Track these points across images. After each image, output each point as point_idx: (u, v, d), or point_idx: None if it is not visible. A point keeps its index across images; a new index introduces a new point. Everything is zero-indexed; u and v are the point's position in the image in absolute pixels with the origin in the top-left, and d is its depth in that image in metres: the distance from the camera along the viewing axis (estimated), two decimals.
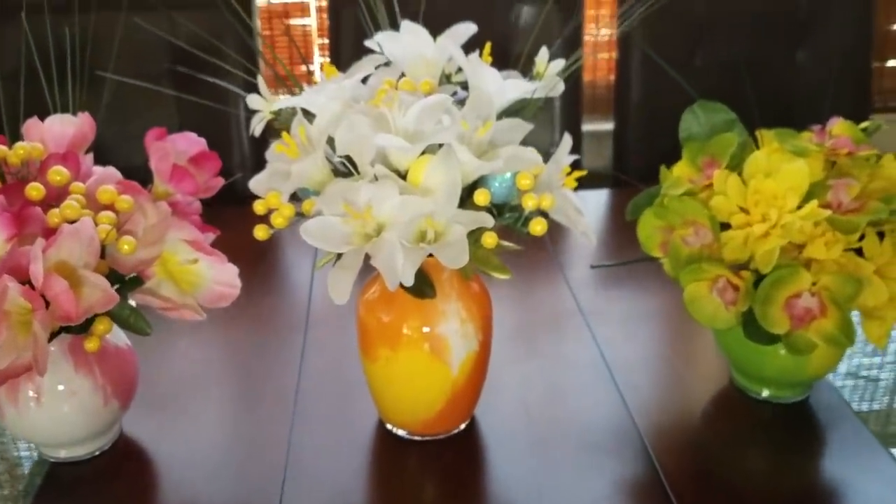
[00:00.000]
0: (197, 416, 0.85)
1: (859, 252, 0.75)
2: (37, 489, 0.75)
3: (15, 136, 0.74)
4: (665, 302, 1.05)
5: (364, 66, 0.71)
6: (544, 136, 1.46)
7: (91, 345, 0.68)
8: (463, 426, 0.82)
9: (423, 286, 0.72)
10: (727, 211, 0.76)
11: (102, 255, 0.67)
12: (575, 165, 0.71)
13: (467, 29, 0.74)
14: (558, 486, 0.75)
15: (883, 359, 0.95)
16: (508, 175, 0.68)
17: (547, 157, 0.69)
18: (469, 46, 0.72)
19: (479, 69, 0.68)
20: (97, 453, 0.79)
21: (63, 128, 0.73)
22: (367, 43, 0.76)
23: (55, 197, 0.67)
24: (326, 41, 1.52)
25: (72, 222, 0.63)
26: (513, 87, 0.69)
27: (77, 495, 0.75)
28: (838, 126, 0.81)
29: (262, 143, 0.71)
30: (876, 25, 1.60)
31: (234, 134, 1.46)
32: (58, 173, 0.67)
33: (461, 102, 0.70)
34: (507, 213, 0.69)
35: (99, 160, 0.77)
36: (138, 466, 0.79)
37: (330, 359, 0.94)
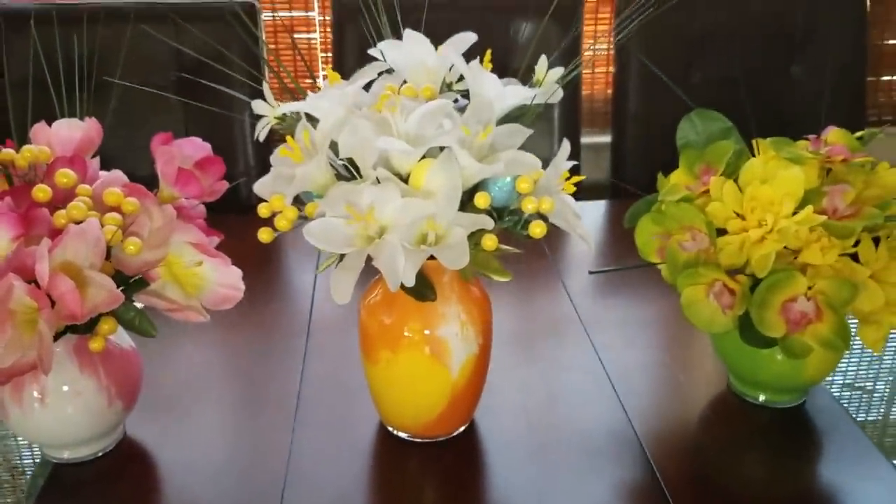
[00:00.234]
0: (200, 419, 0.86)
1: (855, 258, 0.76)
2: (39, 490, 0.76)
3: (24, 144, 0.75)
4: (662, 309, 1.06)
5: (367, 73, 0.73)
6: (543, 147, 1.48)
7: (96, 345, 0.69)
8: (463, 429, 0.83)
9: (423, 289, 0.73)
10: (723, 217, 0.77)
11: (108, 256, 0.68)
12: (573, 172, 0.72)
13: (468, 38, 0.76)
14: (558, 490, 0.76)
15: (879, 369, 0.96)
16: (508, 180, 0.69)
17: (546, 167, 0.70)
18: (469, 58, 0.73)
19: (480, 75, 0.69)
20: (100, 454, 0.79)
21: (70, 132, 0.74)
22: (371, 51, 0.77)
23: (62, 199, 0.68)
24: (330, 55, 1.53)
25: (78, 223, 0.64)
26: (512, 94, 0.71)
27: (80, 496, 0.76)
28: (833, 134, 0.82)
29: (266, 153, 0.72)
30: (870, 40, 1.62)
31: (239, 145, 1.48)
32: (64, 176, 0.68)
33: (462, 110, 0.71)
34: (507, 217, 0.70)
35: (105, 170, 0.78)
36: (141, 468, 0.79)
37: (331, 364, 0.95)
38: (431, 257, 0.67)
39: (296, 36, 1.78)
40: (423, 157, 0.67)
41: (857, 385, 0.90)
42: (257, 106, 0.75)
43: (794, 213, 0.74)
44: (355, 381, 0.88)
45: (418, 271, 0.70)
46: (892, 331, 0.76)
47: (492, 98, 0.69)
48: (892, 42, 1.95)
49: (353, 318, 0.80)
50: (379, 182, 0.66)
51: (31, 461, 0.81)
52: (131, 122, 1.34)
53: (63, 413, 0.74)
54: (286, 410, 0.87)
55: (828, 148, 0.80)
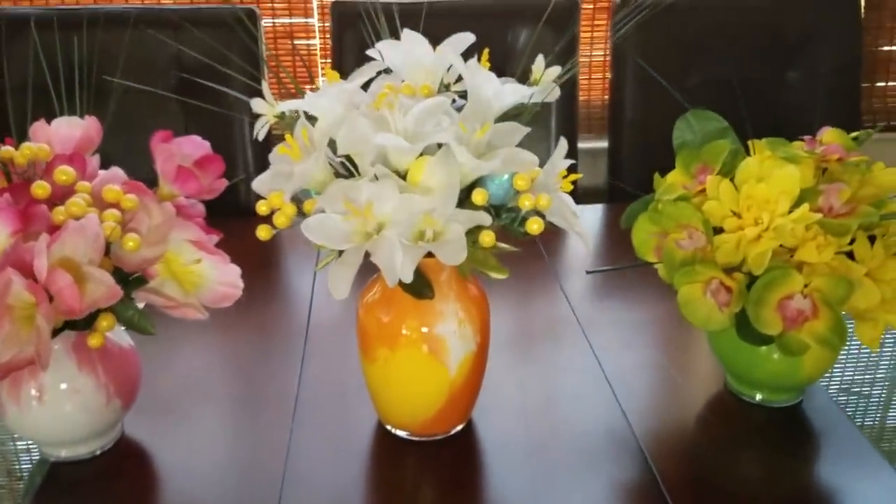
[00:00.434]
0: (198, 419, 0.86)
1: (851, 256, 0.76)
2: (37, 488, 0.76)
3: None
4: (659, 310, 1.07)
5: (365, 72, 0.73)
6: (541, 152, 1.48)
7: (94, 341, 0.69)
8: (460, 427, 0.83)
9: (421, 287, 0.73)
10: (720, 215, 0.78)
11: (107, 253, 0.69)
12: (570, 172, 0.72)
13: (466, 38, 0.76)
14: (555, 489, 0.76)
15: (875, 375, 0.96)
16: (505, 177, 0.69)
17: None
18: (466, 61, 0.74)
19: (478, 73, 0.70)
20: (98, 453, 0.79)
21: (70, 130, 0.74)
22: (369, 52, 0.77)
23: (61, 196, 0.68)
24: (329, 62, 1.54)
25: (77, 219, 0.65)
26: (510, 92, 0.71)
27: (77, 495, 0.76)
28: (828, 134, 0.82)
29: (266, 158, 0.72)
30: (864, 46, 1.63)
31: (239, 149, 1.48)
32: (64, 173, 0.68)
33: (460, 110, 0.72)
34: (504, 214, 0.71)
35: None
36: (139, 468, 0.79)
37: (330, 365, 0.95)
38: (429, 255, 0.67)
39: (295, 42, 1.79)
40: (421, 154, 0.68)
41: (853, 390, 0.90)
42: (256, 104, 0.75)
43: (790, 212, 0.75)
44: (353, 382, 0.88)
45: (416, 269, 0.70)
46: (888, 329, 0.77)
47: (489, 96, 0.70)
48: (886, 48, 1.97)
49: (351, 319, 0.80)
50: (377, 179, 0.66)
51: (29, 460, 0.81)
52: (131, 127, 1.34)
53: (61, 411, 0.74)
54: (284, 410, 0.87)
55: (823, 147, 0.80)
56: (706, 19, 1.56)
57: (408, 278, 0.64)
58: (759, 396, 0.87)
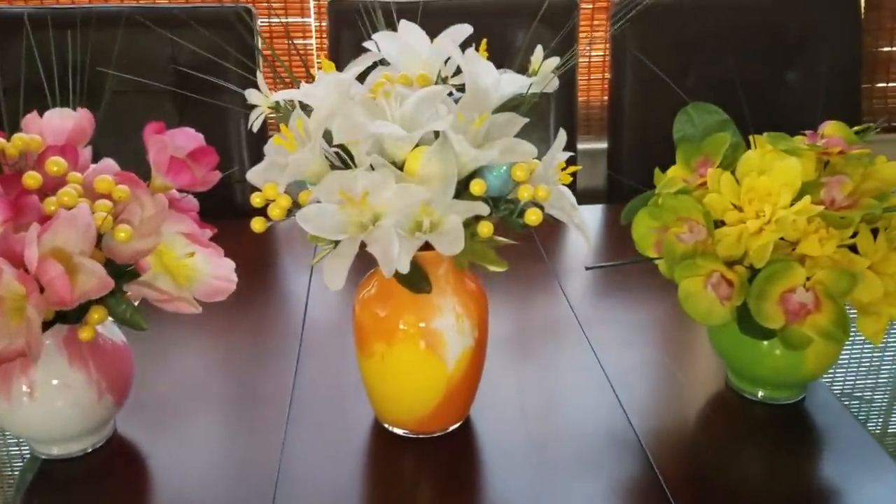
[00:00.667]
0: (192, 418, 0.85)
1: (853, 249, 0.75)
2: (28, 485, 0.75)
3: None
4: (659, 309, 1.06)
5: (361, 62, 0.72)
6: (540, 153, 1.47)
7: (85, 334, 0.68)
8: (458, 424, 0.82)
9: (419, 280, 0.72)
10: (721, 208, 0.77)
11: (99, 246, 0.67)
12: (570, 179, 0.71)
13: (464, 30, 0.75)
14: (556, 488, 0.75)
15: (877, 379, 0.95)
16: (504, 169, 0.68)
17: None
18: None
19: (476, 62, 0.69)
20: (90, 450, 0.78)
21: (62, 122, 0.73)
22: (366, 44, 0.77)
23: (52, 188, 0.67)
24: None
25: (68, 210, 0.64)
26: (508, 82, 0.70)
27: (68, 493, 0.75)
28: (830, 127, 0.82)
29: (261, 158, 0.71)
30: (864, 47, 1.63)
31: (235, 150, 1.47)
32: (55, 164, 0.67)
33: (456, 103, 0.71)
34: (503, 206, 0.69)
35: None
36: (131, 466, 0.78)
37: (326, 365, 0.94)
38: (427, 248, 0.66)
39: (291, 42, 1.79)
40: (418, 145, 0.67)
41: (855, 395, 0.89)
42: (251, 95, 0.74)
43: (792, 204, 0.74)
44: (349, 381, 0.87)
45: (414, 263, 0.69)
46: (891, 322, 0.76)
47: (487, 86, 0.69)
48: (886, 49, 1.96)
49: (346, 320, 0.79)
50: (373, 169, 0.65)
51: (20, 458, 0.80)
52: (125, 126, 1.33)
53: (52, 407, 0.73)
54: (279, 409, 0.85)
55: (825, 140, 0.79)
56: (706, 20, 1.55)
57: (404, 268, 0.63)
58: (761, 394, 0.86)
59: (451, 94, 0.74)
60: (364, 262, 0.77)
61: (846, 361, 0.95)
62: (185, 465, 0.78)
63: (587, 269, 1.12)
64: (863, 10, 1.56)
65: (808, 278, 0.73)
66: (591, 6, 1.89)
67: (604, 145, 1.60)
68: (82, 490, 0.75)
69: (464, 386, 0.78)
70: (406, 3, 1.24)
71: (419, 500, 0.75)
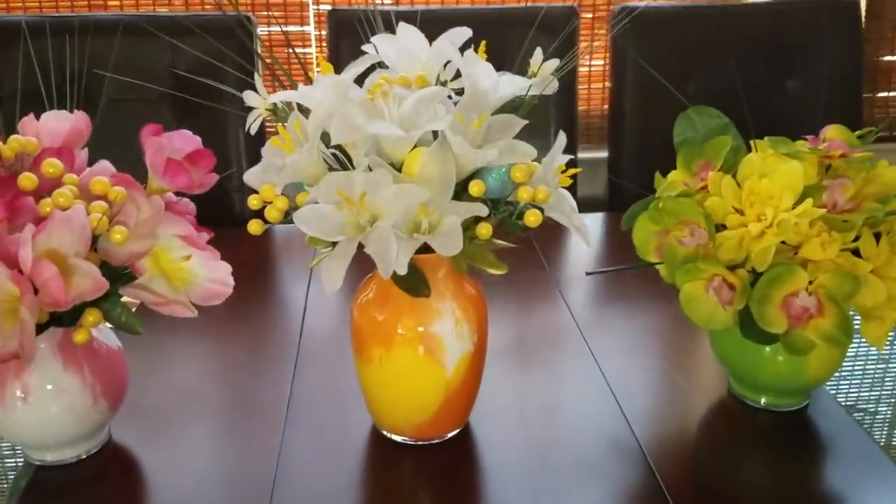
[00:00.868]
0: (188, 425, 0.84)
1: (856, 253, 0.75)
2: (21, 492, 0.74)
3: None
4: (660, 316, 1.05)
5: (359, 63, 0.72)
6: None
7: (80, 336, 0.67)
8: (458, 431, 0.81)
9: (418, 284, 0.71)
10: (722, 211, 0.76)
11: (95, 248, 0.67)
12: (570, 181, 0.71)
13: (463, 32, 0.75)
14: (557, 496, 0.74)
15: (881, 392, 0.94)
16: (503, 170, 0.68)
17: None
18: None
19: (475, 64, 0.69)
20: (84, 456, 0.77)
21: (58, 124, 0.73)
22: (364, 47, 0.76)
23: (48, 189, 0.67)
24: None
25: (64, 210, 0.63)
26: (507, 83, 0.70)
27: (62, 499, 0.74)
28: (832, 130, 0.81)
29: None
30: (865, 56, 1.62)
31: (234, 159, 1.47)
32: (51, 165, 0.67)
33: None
34: (502, 208, 0.69)
35: None
36: (126, 472, 0.77)
37: (323, 372, 0.93)
38: (426, 251, 0.65)
39: (290, 51, 1.79)
40: (417, 147, 0.66)
41: (858, 407, 0.88)
42: (248, 97, 0.74)
43: (794, 208, 0.73)
44: (347, 389, 0.86)
45: (413, 266, 0.69)
46: (894, 327, 0.75)
47: (486, 87, 0.68)
48: (887, 58, 1.96)
49: (345, 328, 0.79)
50: (371, 170, 0.64)
51: (14, 464, 0.79)
52: (123, 136, 1.33)
53: (46, 412, 0.72)
54: (276, 416, 0.84)
55: (826, 143, 0.79)
56: (707, 28, 1.55)
57: (402, 269, 0.62)
58: (763, 400, 0.85)
59: (450, 97, 0.74)
60: (362, 266, 0.77)
61: (849, 373, 0.94)
62: (180, 471, 0.77)
63: (588, 274, 1.11)
64: (863, 19, 1.56)
65: (810, 282, 0.72)
66: (591, 16, 1.89)
67: (604, 154, 1.60)
68: (76, 497, 0.74)
69: (463, 392, 0.77)
70: (405, 11, 1.23)
71: None
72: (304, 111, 0.70)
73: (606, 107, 1.71)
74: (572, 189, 0.71)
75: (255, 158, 1.52)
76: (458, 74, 0.76)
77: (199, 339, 1.01)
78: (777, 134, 0.80)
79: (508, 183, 0.68)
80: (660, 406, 0.88)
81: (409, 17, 1.21)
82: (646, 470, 0.77)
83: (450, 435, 0.80)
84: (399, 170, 0.66)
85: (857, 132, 0.83)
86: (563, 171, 0.70)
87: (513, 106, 0.74)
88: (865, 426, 0.84)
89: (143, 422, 0.83)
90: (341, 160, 0.68)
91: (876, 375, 0.95)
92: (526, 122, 0.69)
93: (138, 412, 0.84)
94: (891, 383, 0.94)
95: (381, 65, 0.75)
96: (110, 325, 0.74)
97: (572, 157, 0.71)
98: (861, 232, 0.74)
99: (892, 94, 1.98)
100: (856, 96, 1.58)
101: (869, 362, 0.97)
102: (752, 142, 0.81)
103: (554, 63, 0.75)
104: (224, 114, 1.43)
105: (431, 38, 0.74)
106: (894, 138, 2.01)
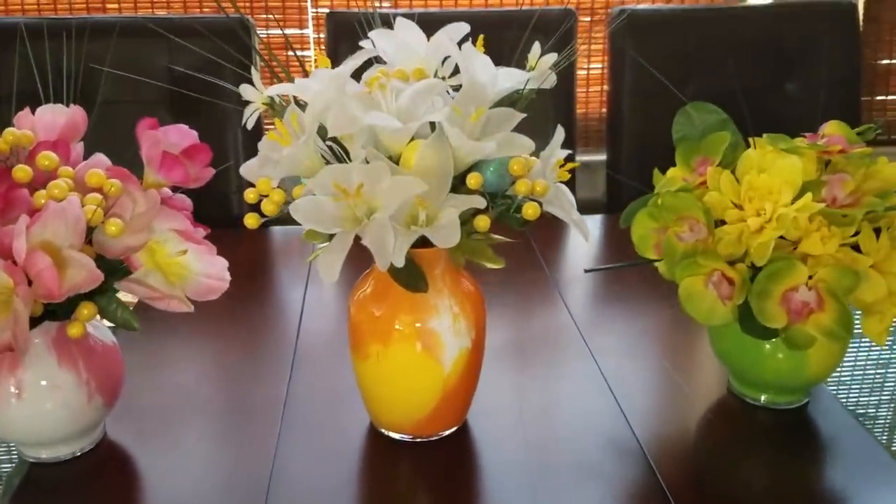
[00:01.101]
0: (184, 424, 0.83)
1: (856, 249, 0.74)
2: (14, 489, 0.73)
3: None
4: (660, 316, 1.04)
5: (358, 57, 0.72)
6: None
7: (74, 330, 0.67)
8: (456, 429, 0.80)
9: (415, 279, 0.71)
10: (721, 206, 0.76)
11: (89, 241, 0.66)
12: (568, 175, 0.70)
13: (461, 28, 0.75)
14: (556, 494, 0.73)
15: (880, 397, 0.94)
16: (501, 164, 0.67)
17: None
18: None
19: (473, 57, 0.68)
20: (79, 454, 0.76)
21: (54, 117, 0.72)
22: (362, 43, 0.76)
23: (43, 182, 0.66)
24: None
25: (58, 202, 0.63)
26: (505, 76, 0.69)
27: (57, 497, 0.73)
28: (831, 126, 0.81)
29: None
30: (864, 59, 1.62)
31: (231, 161, 1.47)
32: (46, 158, 0.66)
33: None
34: (500, 201, 0.68)
35: None
36: (121, 471, 0.76)
37: (320, 372, 0.92)
38: (423, 246, 0.65)
39: (289, 54, 1.79)
40: (414, 139, 0.66)
41: (858, 412, 0.87)
42: (245, 91, 0.74)
43: (793, 203, 0.73)
44: (344, 389, 0.85)
45: (410, 261, 0.68)
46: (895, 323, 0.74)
47: (484, 80, 0.68)
48: (885, 62, 1.96)
49: (342, 330, 0.78)
50: (368, 163, 0.64)
51: (9, 461, 0.78)
52: (120, 137, 1.33)
53: (41, 408, 0.72)
54: (272, 416, 0.84)
55: (825, 138, 0.78)
56: (705, 31, 1.55)
57: (399, 261, 0.62)
58: (763, 398, 0.84)
59: (448, 92, 0.73)
60: (360, 265, 0.76)
61: (849, 378, 0.94)
62: (176, 470, 0.76)
63: (586, 271, 1.11)
64: (861, 23, 1.56)
65: (810, 277, 0.72)
66: (588, 19, 1.90)
67: (602, 157, 1.60)
68: (71, 494, 0.73)
69: (461, 388, 0.77)
70: (403, 14, 1.23)
71: None
72: (302, 108, 0.70)
73: (605, 110, 1.70)
74: (570, 191, 0.71)
75: (252, 157, 1.51)
76: (456, 71, 0.76)
77: (196, 340, 1.00)
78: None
79: (506, 176, 0.67)
80: (659, 405, 0.87)
81: (408, 20, 1.21)
82: (646, 469, 0.76)
83: (448, 432, 0.80)
84: (396, 163, 0.66)
85: (857, 129, 0.82)
86: (562, 166, 0.70)
87: (510, 101, 0.73)
88: (867, 426, 0.84)
89: (139, 421, 0.83)
90: (338, 154, 0.68)
91: (875, 380, 0.95)
92: (524, 115, 0.69)
93: (135, 411, 0.83)
94: (890, 388, 0.94)
95: (378, 60, 0.75)
96: (109, 325, 0.74)
97: (570, 151, 0.71)
98: (861, 227, 0.74)
99: (890, 97, 1.99)
100: (854, 99, 1.58)
101: (868, 367, 0.96)
102: (750, 139, 0.81)
103: (552, 57, 0.74)
104: (221, 117, 1.43)
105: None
106: (892, 141, 2.02)
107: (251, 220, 0.67)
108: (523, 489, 0.73)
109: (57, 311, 0.67)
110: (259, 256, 1.27)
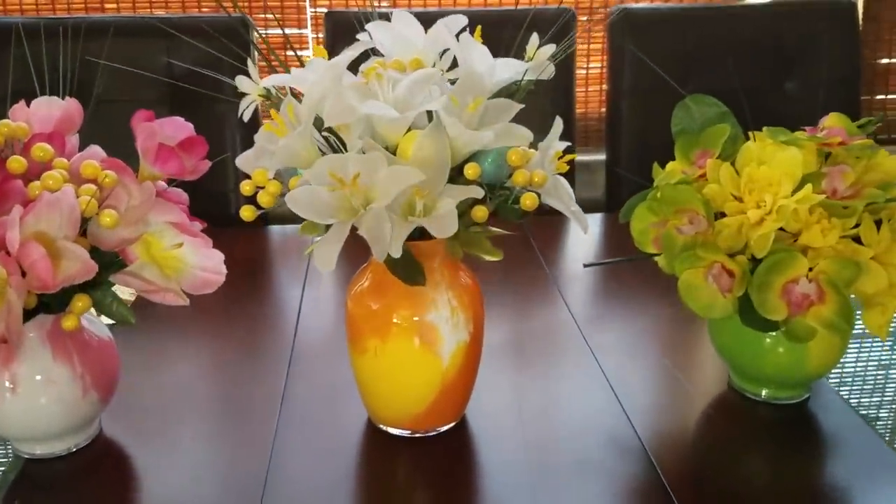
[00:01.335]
0: (180, 420, 0.82)
1: (856, 241, 0.74)
2: (9, 485, 0.72)
3: None
4: (660, 312, 1.04)
5: (355, 48, 0.71)
6: None
7: (69, 322, 0.66)
8: (454, 424, 0.79)
9: (413, 272, 0.70)
10: (721, 199, 0.75)
11: (84, 233, 0.66)
12: (566, 167, 0.70)
13: (459, 20, 0.74)
14: (555, 490, 0.72)
15: (882, 398, 0.93)
16: (499, 155, 0.67)
17: None
18: None
19: (471, 47, 0.68)
20: (74, 450, 0.76)
21: (50, 110, 0.72)
22: (359, 35, 0.75)
23: (38, 174, 0.66)
24: None
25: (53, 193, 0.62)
26: (503, 67, 0.69)
27: (51, 493, 0.72)
28: (831, 118, 0.80)
29: None
30: (863, 59, 1.62)
31: (229, 160, 1.46)
32: (41, 149, 0.66)
33: None
34: (498, 192, 0.68)
35: None
36: (117, 466, 0.76)
37: (317, 369, 0.92)
38: (421, 239, 0.64)
39: (288, 53, 1.78)
40: (411, 130, 0.66)
41: (860, 413, 0.87)
42: (241, 83, 0.73)
43: (793, 194, 0.72)
44: (341, 385, 0.85)
45: (408, 254, 0.68)
46: None
47: (482, 70, 0.68)
48: (885, 61, 1.96)
49: (339, 328, 0.78)
50: (364, 153, 0.64)
51: (4, 456, 0.77)
52: (118, 137, 1.32)
53: (36, 403, 0.71)
54: (269, 412, 0.83)
55: (825, 130, 0.78)
56: (704, 30, 1.55)
57: (396, 252, 0.61)
58: (764, 393, 0.84)
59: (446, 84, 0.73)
60: (357, 261, 0.76)
61: (850, 379, 0.93)
62: (172, 466, 0.76)
63: (585, 266, 1.10)
64: (861, 22, 1.56)
65: (810, 269, 0.72)
66: (586, 18, 1.89)
67: (602, 157, 1.59)
68: (66, 490, 0.73)
69: (459, 382, 0.76)
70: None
71: (414, 503, 0.73)
72: (299, 101, 0.69)
73: (604, 109, 1.70)
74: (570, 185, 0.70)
75: None
76: (454, 64, 0.75)
77: (193, 337, 1.00)
78: None
79: (505, 167, 0.67)
80: (660, 401, 0.87)
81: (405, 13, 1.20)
82: (647, 465, 0.75)
83: (446, 428, 0.79)
84: (393, 153, 0.65)
85: (858, 122, 0.82)
86: (560, 158, 0.70)
87: (509, 94, 0.73)
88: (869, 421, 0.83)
89: (135, 417, 0.82)
90: (334, 145, 0.68)
91: (878, 381, 0.94)
92: (522, 105, 0.68)
93: (131, 408, 0.83)
94: (892, 389, 0.93)
95: (375, 53, 0.74)
96: (108, 322, 0.73)
97: (569, 143, 0.70)
98: (861, 219, 0.73)
99: (889, 96, 1.98)
100: (854, 98, 1.58)
101: (870, 368, 0.96)
102: (750, 133, 0.81)
103: (550, 48, 0.74)
104: (220, 116, 1.43)
105: None
106: (892, 141, 2.01)
107: (247, 213, 0.67)
108: (523, 486, 0.73)
109: (51, 304, 0.67)
110: (257, 255, 1.27)
